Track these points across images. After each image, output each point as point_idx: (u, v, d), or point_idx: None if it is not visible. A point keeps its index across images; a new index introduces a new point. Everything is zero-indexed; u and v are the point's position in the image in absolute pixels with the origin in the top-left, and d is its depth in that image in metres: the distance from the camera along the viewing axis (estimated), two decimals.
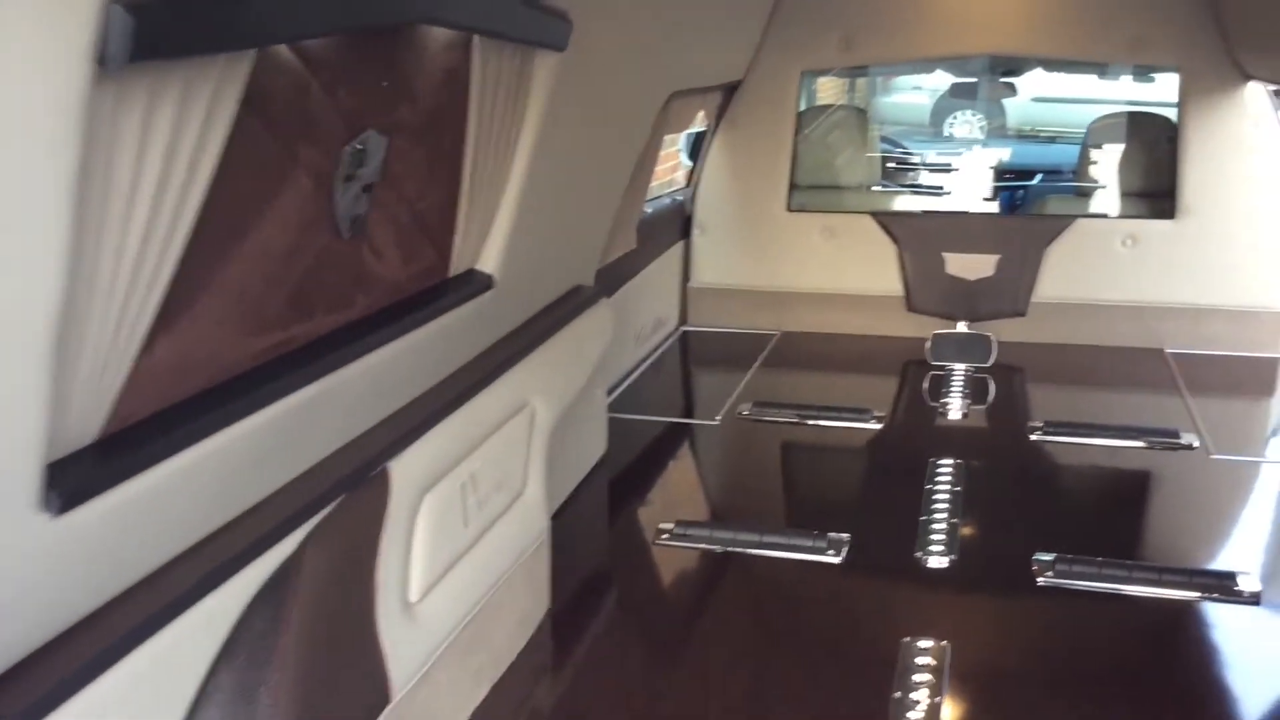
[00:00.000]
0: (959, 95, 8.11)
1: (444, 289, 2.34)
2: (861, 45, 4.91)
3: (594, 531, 3.22)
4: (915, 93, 10.06)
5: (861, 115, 6.23)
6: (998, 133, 8.58)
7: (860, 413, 3.95)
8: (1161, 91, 5.48)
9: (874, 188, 6.02)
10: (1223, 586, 2.71)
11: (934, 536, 2.99)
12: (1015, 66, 6.03)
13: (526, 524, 2.56)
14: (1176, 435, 3.69)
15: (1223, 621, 2.64)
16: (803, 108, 5.26)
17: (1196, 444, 3.64)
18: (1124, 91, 6.44)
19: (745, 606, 2.78)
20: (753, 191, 5.11)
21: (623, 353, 4.28)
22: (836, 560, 2.88)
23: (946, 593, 2.80)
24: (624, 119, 3.31)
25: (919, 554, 2.91)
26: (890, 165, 6.50)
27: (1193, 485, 3.47)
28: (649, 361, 4.65)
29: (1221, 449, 3.62)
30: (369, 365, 1.96)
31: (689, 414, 4.24)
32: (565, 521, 2.93)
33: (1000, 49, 5.05)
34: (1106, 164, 5.37)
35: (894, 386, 4.53)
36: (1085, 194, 5.32)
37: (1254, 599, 2.66)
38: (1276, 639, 2.62)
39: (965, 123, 10.16)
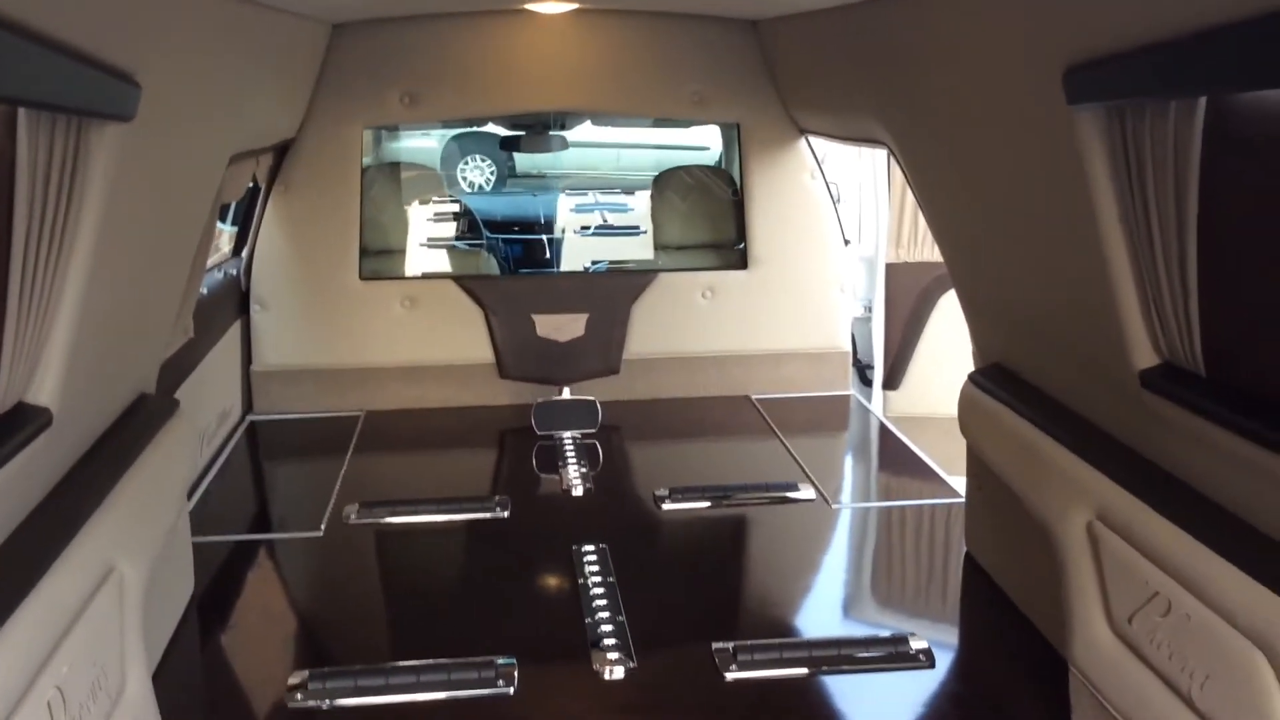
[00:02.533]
0: (507, 148, 8.02)
1: None
2: (427, 101, 4.59)
3: (199, 701, 2.59)
4: (424, 139, 9.85)
5: (431, 173, 5.90)
6: (517, 178, 8.51)
7: (482, 500, 3.60)
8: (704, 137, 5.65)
9: (445, 247, 5.71)
10: (900, 652, 2.66)
11: (607, 641, 2.70)
12: (568, 120, 5.99)
13: None
14: (795, 487, 3.71)
15: (904, 687, 2.58)
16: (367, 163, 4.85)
17: (813, 495, 3.67)
18: (682, 137, 6.64)
19: None
20: (318, 260, 4.59)
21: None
22: (510, 691, 2.50)
23: (638, 708, 2.51)
24: (188, 190, 2.73)
25: (597, 667, 2.61)
26: (452, 220, 6.22)
27: (825, 540, 3.47)
28: (218, 464, 3.99)
29: (835, 497, 3.67)
30: None
31: (283, 526, 3.64)
32: (163, 690, 2.31)
33: (568, 106, 4.95)
34: (670, 215, 5.44)
35: (504, 463, 4.22)
36: (663, 248, 5.37)
37: (928, 660, 2.64)
38: (951, 699, 2.59)
39: (476, 169, 10.14)
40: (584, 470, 3.94)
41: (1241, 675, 1.73)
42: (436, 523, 3.49)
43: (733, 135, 4.98)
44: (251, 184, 4.58)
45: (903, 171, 3.47)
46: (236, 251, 4.70)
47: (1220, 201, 1.76)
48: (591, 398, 4.41)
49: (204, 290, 4.01)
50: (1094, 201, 2.01)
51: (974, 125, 2.58)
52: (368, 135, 4.86)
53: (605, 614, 2.83)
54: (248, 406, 4.59)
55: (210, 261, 4.65)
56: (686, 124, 5.18)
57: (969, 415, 2.96)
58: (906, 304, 5.60)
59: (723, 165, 5.52)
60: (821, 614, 3.06)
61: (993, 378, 2.88)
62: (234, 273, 4.55)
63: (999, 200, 2.60)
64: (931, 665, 2.63)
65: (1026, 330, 2.71)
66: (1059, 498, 2.36)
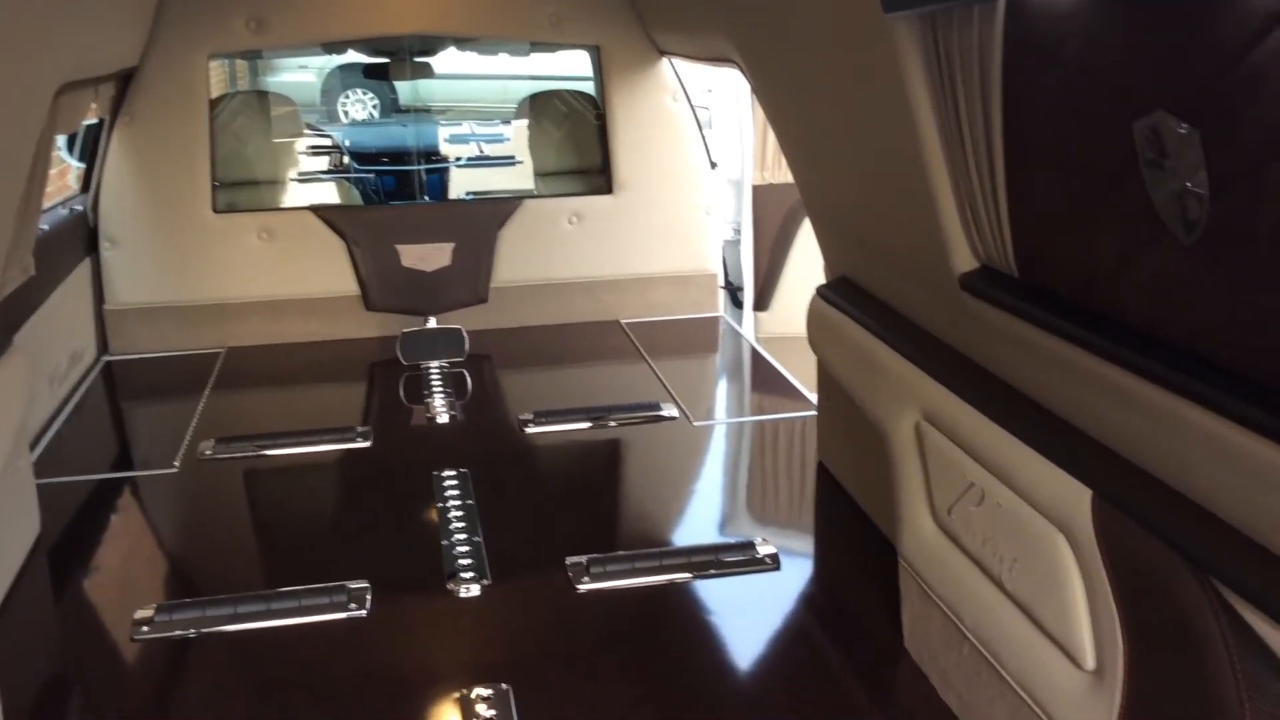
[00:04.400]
0: (373, 76, 7.82)
1: None
2: (274, 26, 4.45)
3: (44, 639, 2.55)
4: (302, 72, 9.55)
5: (287, 101, 5.73)
6: (402, 112, 8.36)
7: (344, 431, 3.57)
8: (580, 66, 5.60)
9: (312, 180, 5.58)
10: (748, 558, 2.74)
11: (462, 562, 2.72)
12: (431, 46, 5.87)
13: None
14: (658, 407, 3.76)
15: (750, 589, 2.66)
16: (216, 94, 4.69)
17: (676, 414, 3.73)
18: (546, 67, 6.56)
19: (263, 692, 2.31)
20: (169, 194, 4.45)
21: (37, 402, 3.51)
22: (362, 614, 2.51)
23: (492, 624, 2.55)
24: (9, 123, 2.62)
25: (451, 587, 2.63)
26: (321, 154, 6.08)
27: (686, 456, 3.54)
28: (71, 404, 3.88)
29: (699, 416, 3.74)
30: None
31: (137, 464, 3.57)
32: (5, 633, 2.26)
33: (421, 29, 4.84)
34: (542, 142, 5.40)
35: (370, 396, 4.19)
36: (539, 175, 5.33)
37: (774, 563, 2.73)
38: (794, 597, 2.69)
39: (358, 102, 9.89)
40: (450, 399, 3.93)
41: (1045, 556, 1.82)
42: (295, 455, 3.46)
43: (597, 58, 4.94)
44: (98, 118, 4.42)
45: (754, 90, 3.49)
46: (85, 188, 4.53)
47: (1023, 105, 1.82)
48: (458, 326, 4.39)
49: (45, 227, 3.87)
50: (912, 110, 2.06)
51: (808, 40, 2.60)
52: (243, 69, 4.71)
53: (462, 536, 2.85)
54: (103, 347, 4.45)
55: (60, 198, 4.49)
56: (549, 48, 5.12)
57: (816, 328, 3.03)
58: (773, 225, 5.67)
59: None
60: (677, 527, 3.12)
61: (838, 291, 2.94)
62: (81, 209, 4.39)
63: (834, 115, 2.64)
64: (778, 568, 2.71)
65: (866, 242, 2.78)
66: (891, 401, 2.44)
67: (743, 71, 3.49)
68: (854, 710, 2.23)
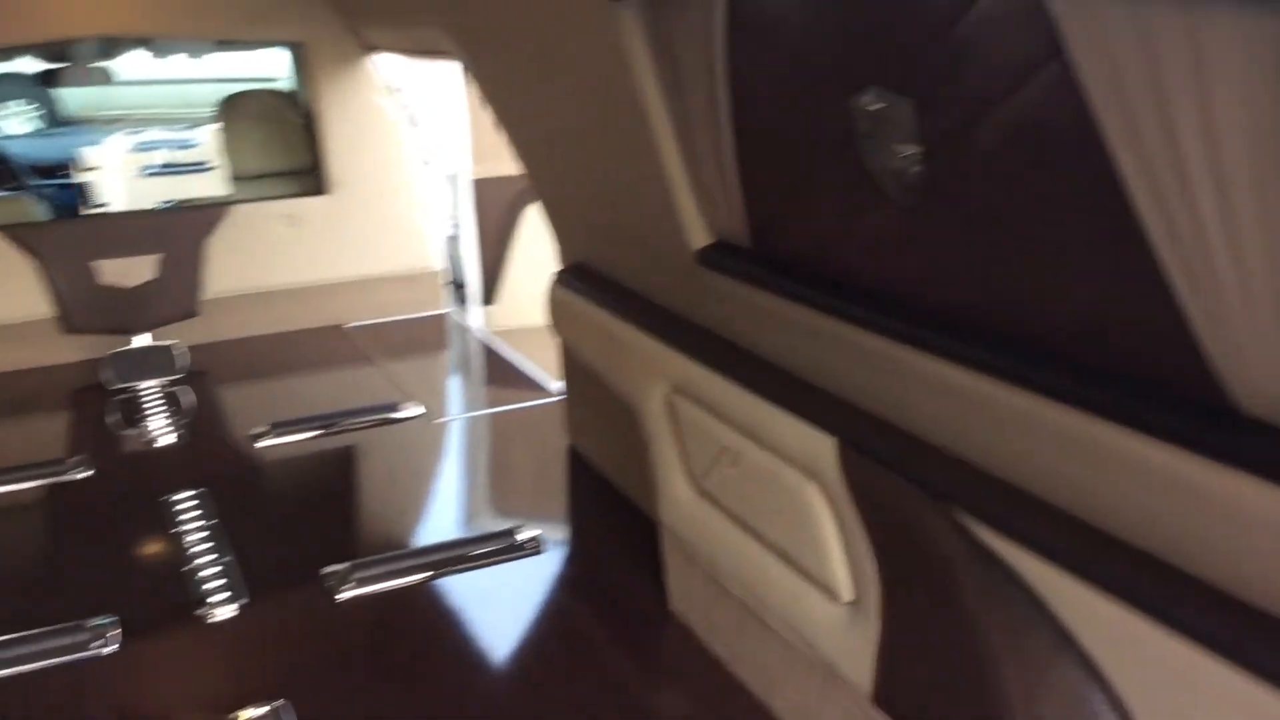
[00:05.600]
0: (47, 84, 7.20)
1: None
2: None
3: None
4: None
5: None
6: (75, 122, 7.78)
7: (55, 465, 3.31)
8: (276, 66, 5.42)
9: None
10: (508, 545, 2.77)
11: (212, 585, 2.60)
12: (111, 50, 5.50)
13: None
14: (396, 408, 3.71)
15: (514, 576, 2.69)
16: None
17: (416, 413, 3.70)
18: (245, 68, 6.29)
19: None
20: None
21: None
22: (110, 651, 2.36)
23: (254, 643, 2.45)
24: None
25: (203, 611, 2.51)
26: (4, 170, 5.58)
27: (432, 454, 3.51)
28: None
29: (439, 413, 3.72)
30: None
31: None
32: None
33: (105, 30, 4.54)
34: (243, 145, 5.17)
35: (80, 424, 3.90)
36: (237, 179, 5.09)
37: (536, 547, 2.77)
38: (558, 579, 2.74)
39: (17, 113, 9.13)
40: (173, 419, 3.72)
41: (799, 504, 1.96)
42: (3, 495, 3.18)
43: (298, 56, 4.79)
44: None
45: (475, 82, 3.50)
46: None
47: (747, 87, 1.94)
48: (171, 342, 4.16)
49: None
50: (641, 96, 2.14)
51: (532, 30, 2.65)
52: None
53: (210, 558, 2.73)
54: None
55: None
56: (247, 47, 4.91)
57: (557, 313, 3.09)
58: (495, 218, 5.69)
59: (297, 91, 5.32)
60: (435, 525, 3.11)
61: (575, 275, 3.01)
62: None
63: (564, 104, 2.70)
64: (539, 552, 2.76)
65: (600, 227, 2.86)
66: (640, 377, 2.54)
67: (462, 64, 3.49)
68: (623, 675, 2.31)
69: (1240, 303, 1.13)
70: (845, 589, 1.87)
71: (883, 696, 1.80)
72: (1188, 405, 1.26)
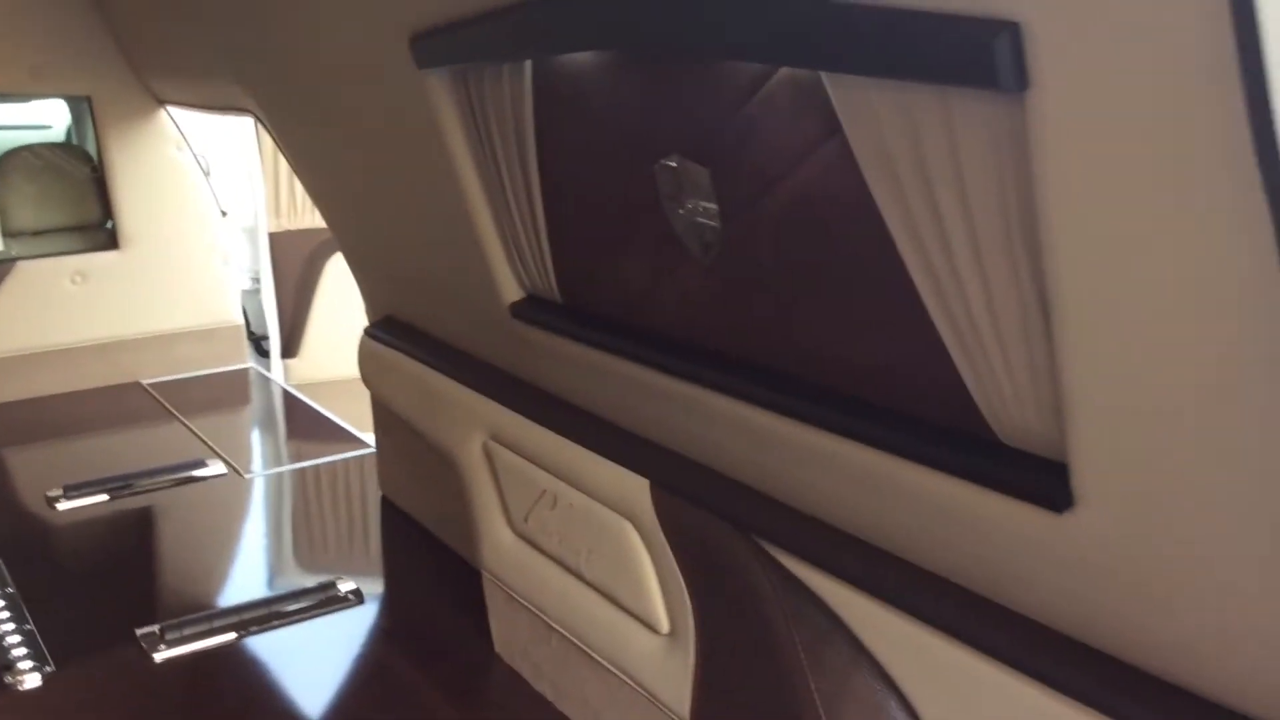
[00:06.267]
0: None
1: None
2: None
3: None
4: None
5: None
6: None
7: None
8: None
9: None
10: (329, 597, 2.78)
11: (16, 653, 2.51)
12: None
13: None
14: (203, 464, 3.65)
15: (336, 629, 2.71)
16: None
17: (223, 470, 3.64)
18: (18, 116, 5.99)
19: None
20: None
21: None
22: None
23: (63, 712, 2.38)
24: None
25: (9, 680, 2.42)
26: None
27: (242, 510, 3.47)
28: None
29: (247, 468, 3.68)
30: None
31: None
32: None
33: None
34: (18, 200, 4.96)
35: None
36: (15, 235, 4.87)
37: (358, 598, 2.79)
38: (379, 629, 2.77)
39: None
40: None
41: (616, 543, 2.08)
42: None
43: (84, 110, 4.65)
44: None
45: (274, 139, 3.51)
46: None
47: (555, 152, 2.07)
48: None
49: None
50: (451, 158, 2.24)
51: (336, 90, 2.70)
52: None
53: (9, 626, 2.63)
54: None
55: None
56: (26, 99, 4.74)
57: (368, 366, 3.13)
58: (294, 271, 5.64)
59: (74, 141, 5.14)
60: (250, 582, 3.08)
61: (387, 329, 3.06)
62: None
63: (370, 162, 2.76)
64: (361, 602, 2.78)
65: (412, 282, 2.92)
66: (457, 427, 2.61)
67: (259, 120, 3.50)
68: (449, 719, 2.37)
69: (994, 348, 1.32)
70: (662, 621, 2.00)
71: (701, 719, 1.93)
72: (956, 438, 1.45)
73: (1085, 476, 1.25)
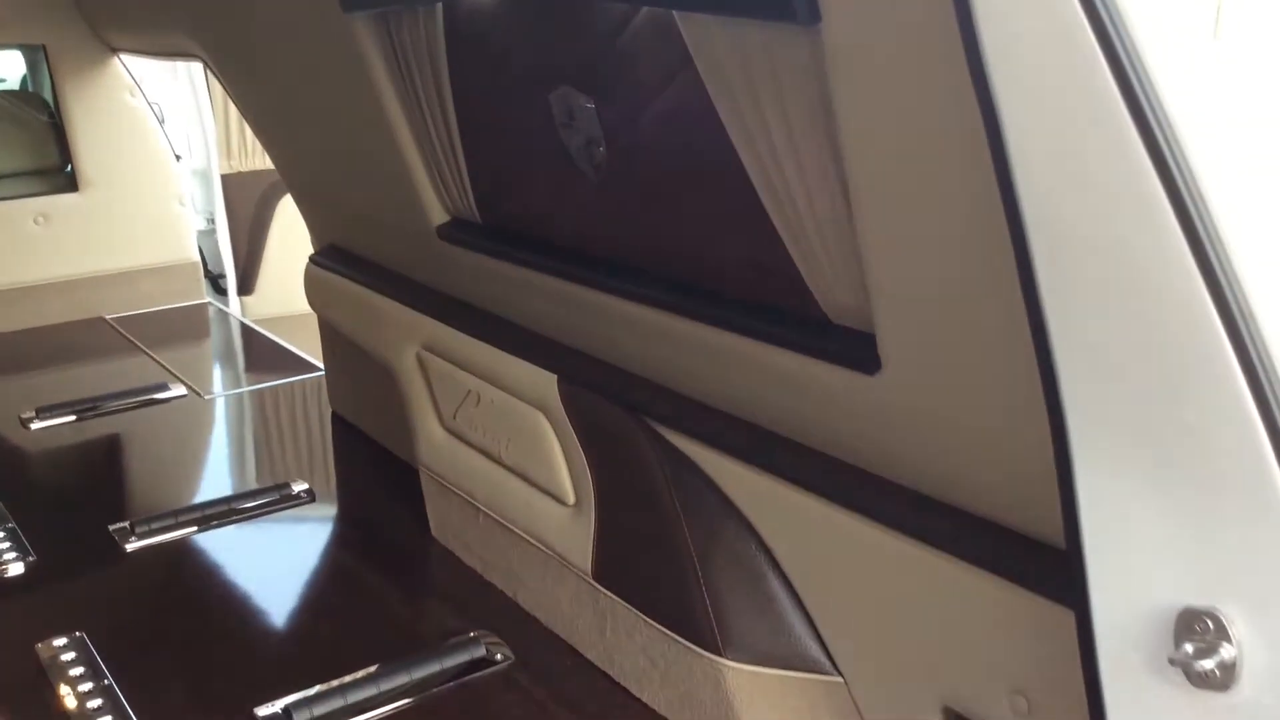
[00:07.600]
0: None
1: None
2: None
3: None
4: None
5: None
6: None
7: None
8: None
9: None
10: (283, 496, 3.09)
11: (1, 546, 2.80)
12: None
13: None
14: (165, 387, 3.92)
15: (290, 524, 3.02)
16: None
17: (184, 391, 3.92)
18: None
19: None
20: None
21: None
22: None
23: (40, 592, 2.68)
24: None
25: None
26: None
27: (203, 427, 3.76)
28: None
29: (207, 390, 3.95)
30: None
31: None
32: None
33: None
34: None
35: None
36: None
37: (310, 497, 3.10)
38: (331, 521, 3.08)
39: None
40: None
41: (531, 431, 2.38)
42: None
43: (39, 58, 4.84)
44: None
45: (221, 83, 3.75)
46: None
47: (468, 85, 2.34)
48: None
49: None
50: (378, 96, 2.50)
51: (272, 36, 2.95)
52: None
53: None
54: None
55: None
56: None
57: (314, 290, 3.40)
58: (247, 212, 5.86)
59: (30, 89, 5.33)
60: (212, 487, 3.37)
61: (330, 256, 3.33)
62: None
63: (307, 103, 3.01)
64: (313, 500, 3.09)
65: (350, 212, 3.19)
66: (394, 341, 2.90)
67: (207, 65, 3.73)
68: (389, 593, 2.69)
69: (818, 240, 1.62)
70: (569, 494, 2.31)
71: (600, 573, 2.25)
72: (792, 319, 1.75)
73: (888, 344, 1.56)
